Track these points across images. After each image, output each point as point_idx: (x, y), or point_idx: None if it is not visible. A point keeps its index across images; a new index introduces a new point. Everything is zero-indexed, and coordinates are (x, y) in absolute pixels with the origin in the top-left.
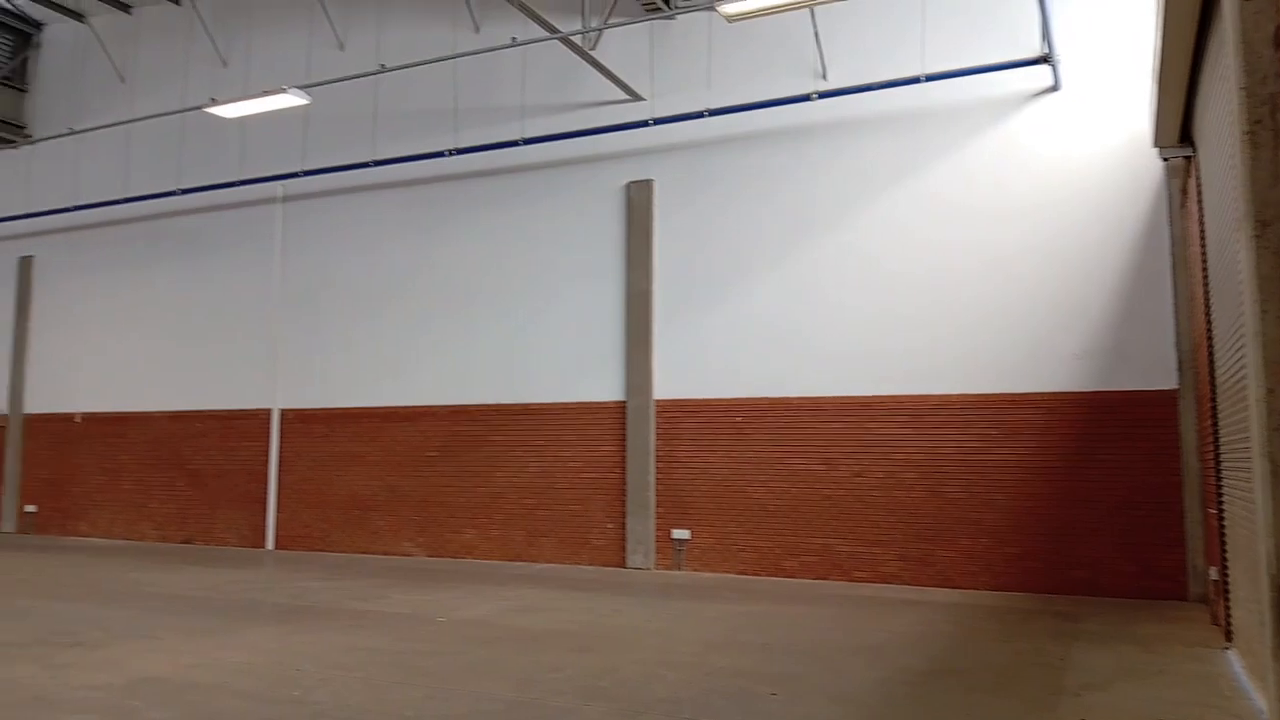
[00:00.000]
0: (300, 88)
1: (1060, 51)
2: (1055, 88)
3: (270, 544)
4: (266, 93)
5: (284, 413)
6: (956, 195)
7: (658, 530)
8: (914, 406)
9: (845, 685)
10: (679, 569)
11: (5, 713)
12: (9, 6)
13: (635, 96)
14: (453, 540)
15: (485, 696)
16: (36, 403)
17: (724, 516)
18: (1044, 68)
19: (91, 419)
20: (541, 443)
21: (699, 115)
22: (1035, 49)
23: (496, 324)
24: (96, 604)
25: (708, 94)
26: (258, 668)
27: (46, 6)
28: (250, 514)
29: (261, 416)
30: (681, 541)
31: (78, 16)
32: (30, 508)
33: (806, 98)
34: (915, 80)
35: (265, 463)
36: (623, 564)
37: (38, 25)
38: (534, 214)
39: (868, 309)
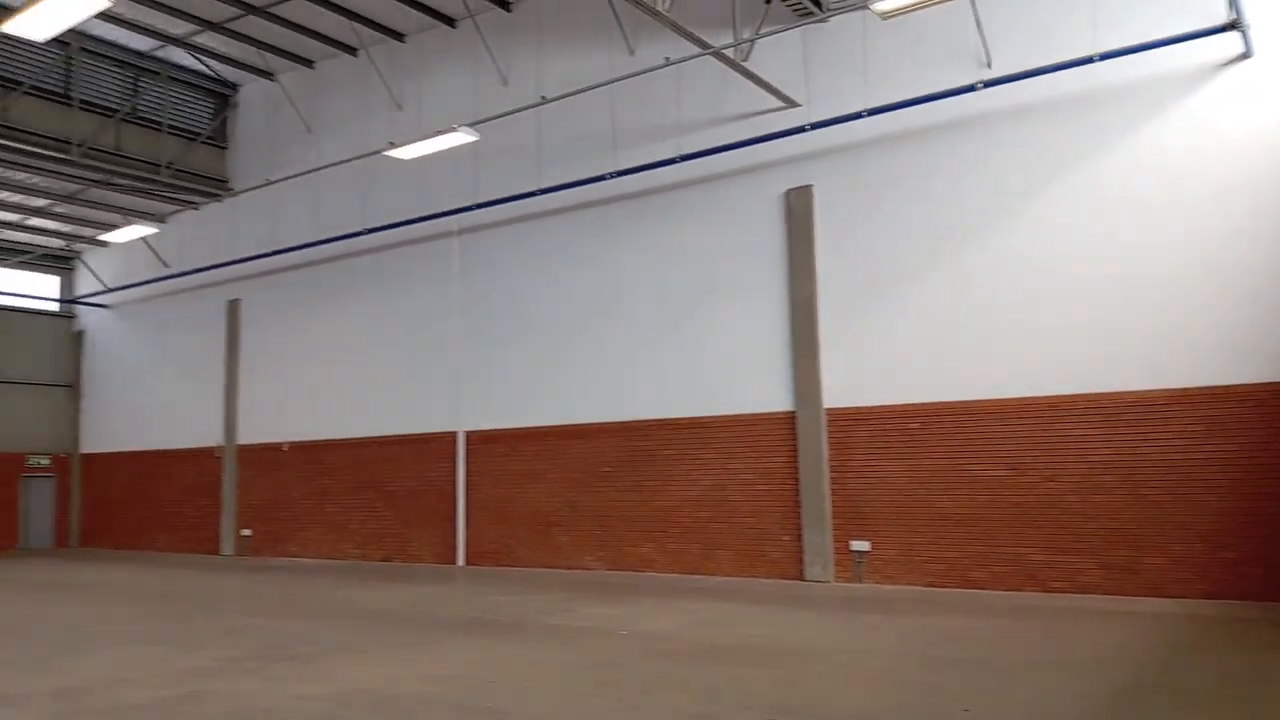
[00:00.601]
0: (469, 125)
1: (1250, 14)
2: (1247, 55)
3: (461, 560)
4: (439, 132)
5: (468, 434)
6: (1136, 180)
7: (836, 542)
8: (1108, 405)
9: (1045, 703)
10: (860, 581)
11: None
12: (209, 72)
13: (790, 103)
14: (631, 554)
15: (669, 710)
16: (248, 434)
17: (905, 526)
18: (1232, 34)
19: (296, 447)
20: (712, 456)
21: (857, 116)
22: (1221, 15)
23: (662, 339)
24: (307, 620)
25: (865, 94)
26: (455, 679)
27: (240, 69)
28: (442, 532)
29: (448, 439)
30: (861, 553)
31: (268, 75)
32: (246, 531)
33: (971, 88)
34: (1088, 61)
35: (453, 483)
36: (801, 577)
37: (234, 87)
38: (694, 228)
39: (1049, 307)
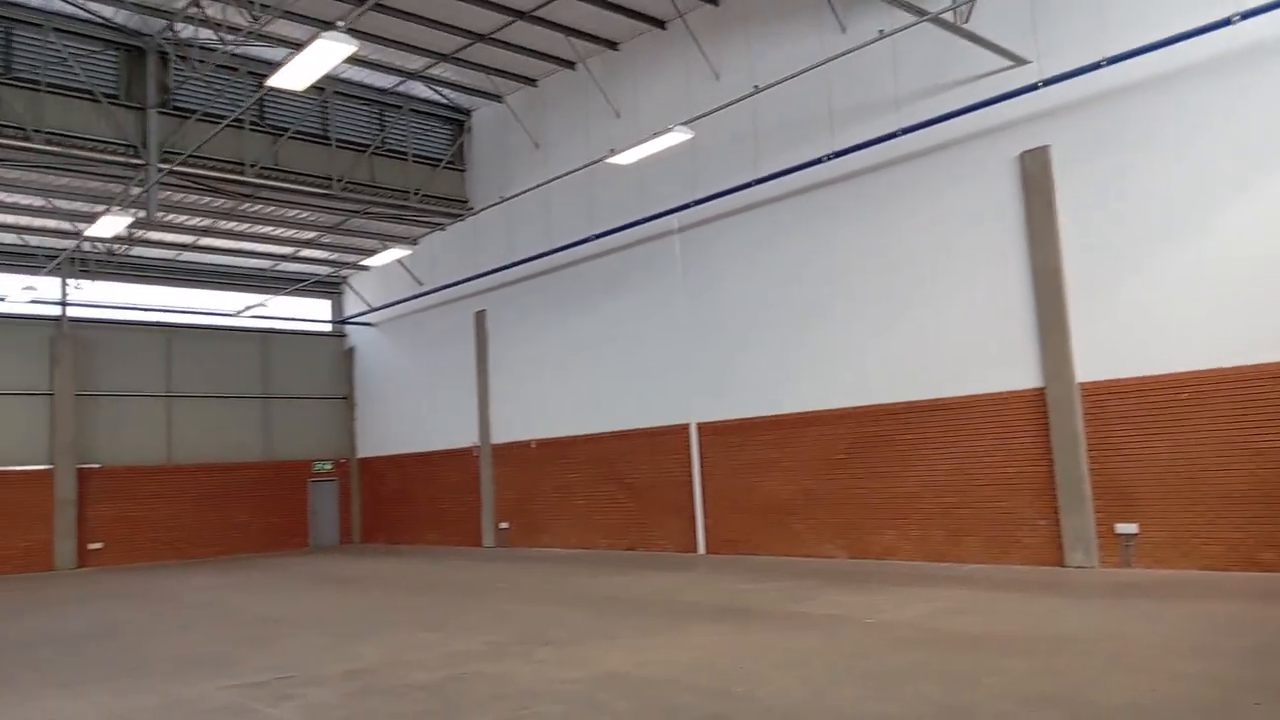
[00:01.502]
0: (684, 124)
1: None
2: None
3: (702, 549)
4: (656, 134)
5: (700, 426)
6: None
7: (1098, 525)
8: None
9: None
10: (1128, 566)
11: (504, 700)
12: (445, 101)
13: (1019, 61)
14: (873, 542)
15: (920, 698)
16: (500, 434)
17: (1176, 506)
18: None
19: (543, 444)
20: (953, 438)
21: (1095, 67)
22: None
23: (892, 320)
24: (561, 606)
25: (1102, 42)
26: (704, 665)
27: (472, 95)
28: (682, 521)
29: (681, 431)
30: (1128, 536)
31: (496, 98)
32: (504, 524)
33: (1226, 21)
34: None
35: (689, 474)
36: (1060, 562)
37: (467, 113)
38: (921, 202)
39: None
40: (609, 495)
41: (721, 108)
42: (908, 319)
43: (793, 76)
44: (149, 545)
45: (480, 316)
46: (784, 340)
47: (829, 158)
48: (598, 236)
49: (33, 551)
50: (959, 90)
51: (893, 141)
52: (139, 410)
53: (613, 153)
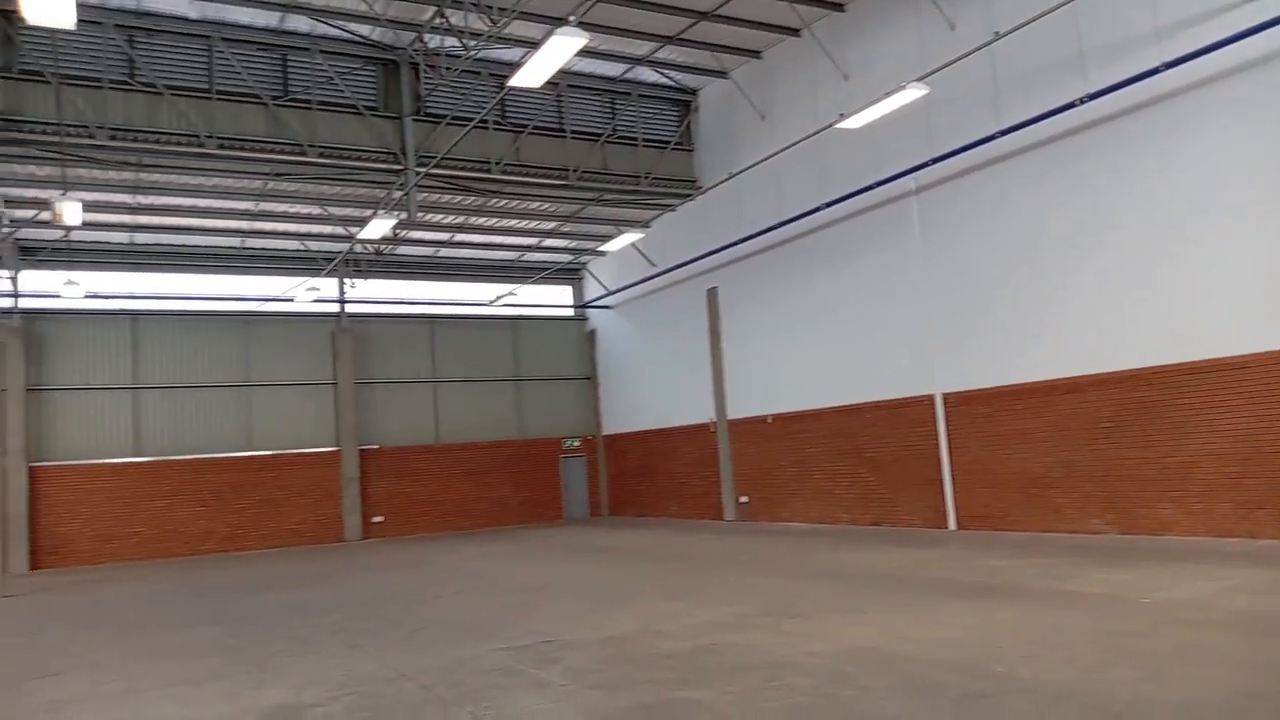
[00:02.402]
0: (918, 80)
1: None
2: None
3: (951, 524)
4: (887, 94)
5: (945, 396)
6: None
7: None
8: None
9: None
10: None
11: (752, 671)
12: (671, 83)
13: None
14: (1146, 516)
15: (1206, 683)
16: (736, 409)
17: None
18: None
19: (780, 419)
20: (1239, 401)
21: None
22: None
23: (1157, 274)
24: (807, 580)
25: None
26: (958, 642)
27: (697, 74)
28: (928, 496)
29: (925, 402)
30: None
31: (721, 75)
32: (744, 498)
33: None
34: None
35: (935, 446)
36: None
37: (693, 92)
38: (1186, 141)
39: None
40: (850, 469)
41: (958, 59)
42: (1175, 271)
43: (1038, 18)
44: (423, 518)
45: (712, 294)
46: (1033, 302)
47: (1081, 101)
48: (829, 204)
49: (324, 524)
50: (1235, 12)
51: (1156, 78)
52: (409, 395)
53: (842, 117)
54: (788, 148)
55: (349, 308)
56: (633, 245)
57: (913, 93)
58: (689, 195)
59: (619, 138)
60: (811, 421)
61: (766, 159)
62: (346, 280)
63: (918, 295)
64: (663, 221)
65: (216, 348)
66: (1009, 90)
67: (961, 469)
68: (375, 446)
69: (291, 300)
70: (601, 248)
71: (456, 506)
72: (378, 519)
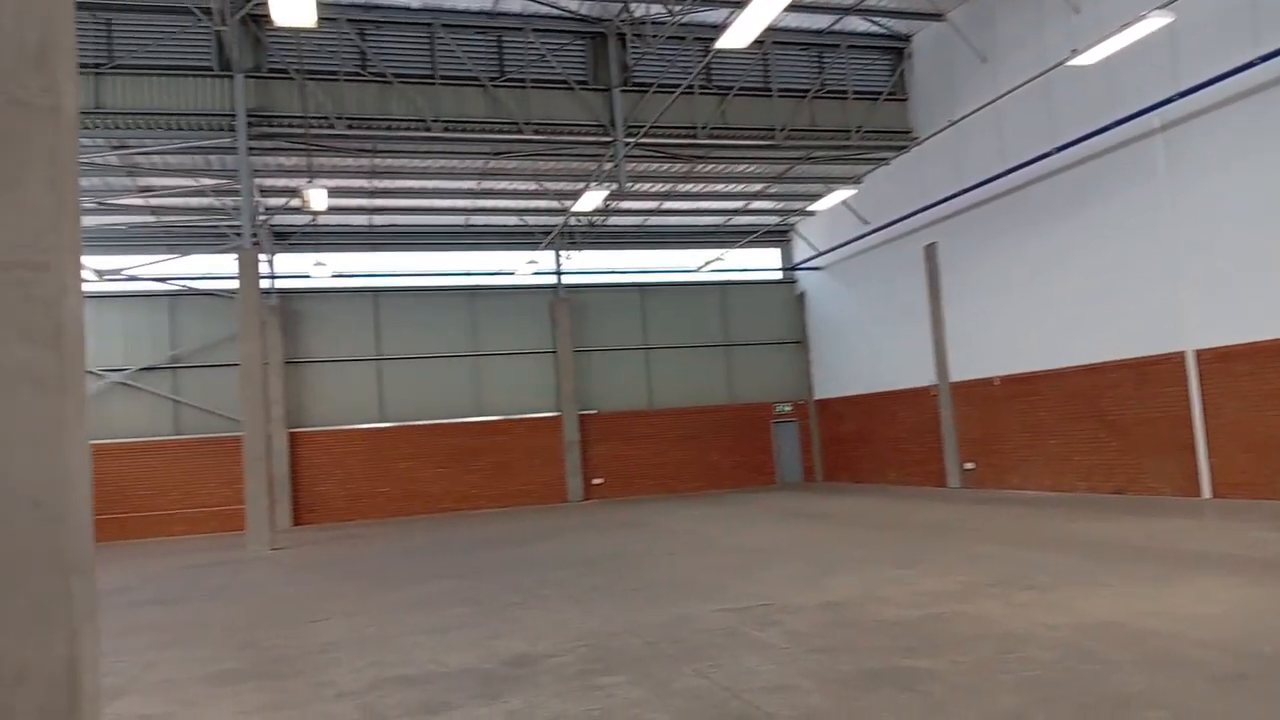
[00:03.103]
0: (1160, 7)
1: None
2: None
3: (1206, 492)
4: (1125, 25)
5: (1198, 353)
6: None
7: None
8: None
9: None
10: None
11: (985, 642)
12: (883, 30)
13: None
14: None
15: None
16: (958, 371)
17: None
18: None
19: (1006, 380)
20: None
21: None
22: None
23: None
24: (1039, 550)
25: None
26: (1216, 619)
27: (910, 18)
28: (1179, 461)
29: (1174, 360)
30: None
31: (937, 17)
32: (969, 465)
33: None
34: None
35: (1186, 407)
36: None
37: (906, 39)
38: None
39: None
40: (1087, 434)
41: None
42: None
43: None
44: (640, 481)
45: (930, 250)
46: None
47: None
48: (1060, 149)
49: (548, 486)
50: None
51: None
52: (623, 361)
53: (1074, 53)
54: (1013, 90)
55: (565, 279)
56: (843, 203)
57: (1155, 21)
58: (903, 147)
59: (827, 93)
60: (1044, 383)
61: (989, 104)
62: (562, 252)
63: (1164, 243)
64: (875, 177)
65: (447, 320)
66: (1268, 11)
67: (1218, 432)
68: (593, 412)
69: (512, 273)
70: (810, 207)
71: (671, 470)
72: (598, 481)
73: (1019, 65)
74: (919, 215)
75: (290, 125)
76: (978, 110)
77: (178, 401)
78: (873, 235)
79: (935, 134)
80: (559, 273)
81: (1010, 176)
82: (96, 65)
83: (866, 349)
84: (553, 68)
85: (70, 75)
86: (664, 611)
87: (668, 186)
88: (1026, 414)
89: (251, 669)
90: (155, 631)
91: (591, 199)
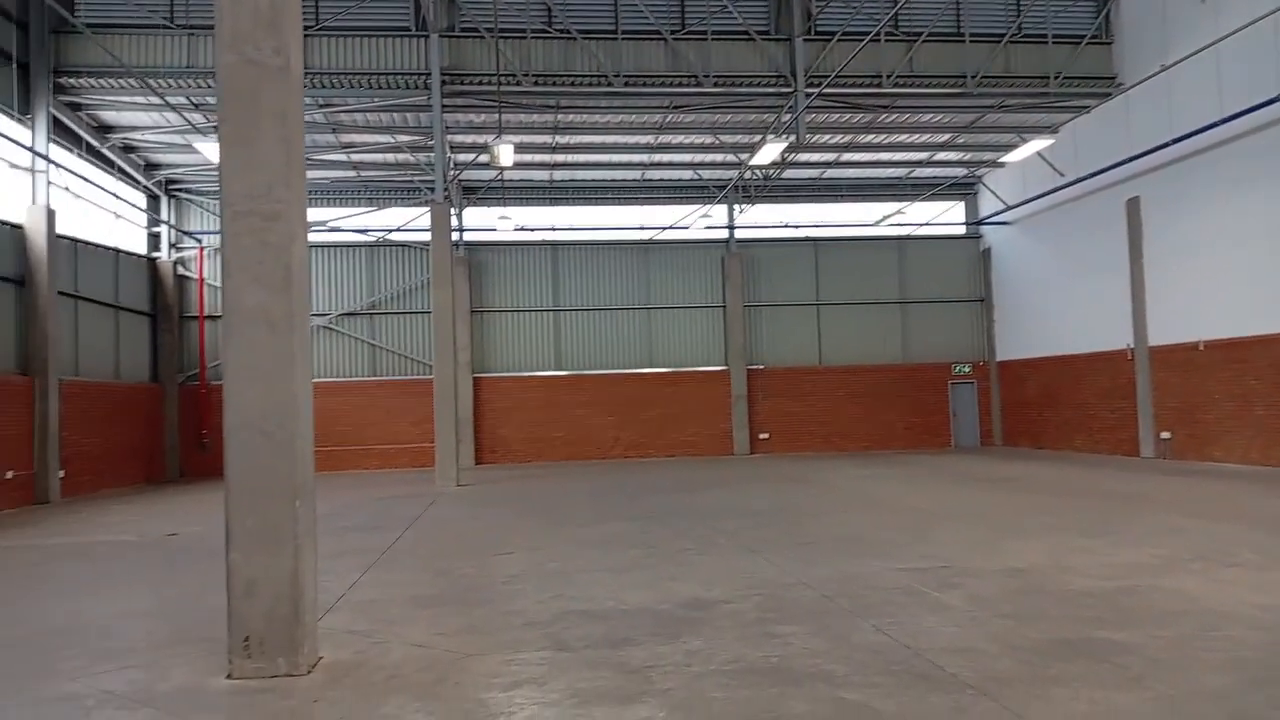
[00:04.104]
0: None
1: None
2: None
3: None
4: None
5: None
6: None
7: None
8: None
9: None
10: None
11: (1183, 618)
12: None
13: None
14: None
15: None
16: (1158, 334)
17: None
18: None
19: (1212, 345)
20: None
21: None
22: None
23: None
24: (1245, 527)
25: None
26: None
27: None
28: None
29: None
30: None
31: None
32: (1165, 434)
33: None
34: None
35: None
36: None
37: None
38: None
39: None
40: None
41: None
42: None
43: None
44: (807, 437)
45: (1132, 204)
46: None
47: None
48: None
49: (715, 438)
50: None
51: None
52: (793, 318)
53: None
54: (1236, 32)
55: (737, 233)
56: (1038, 154)
57: None
58: (1107, 95)
59: (1024, 36)
60: (1258, 349)
61: (1206, 47)
62: (735, 206)
63: None
64: (1074, 126)
65: (621, 273)
66: None
67: None
68: (761, 367)
69: (686, 228)
70: (1000, 159)
71: (840, 428)
72: (764, 436)
73: (1244, 3)
74: (1121, 167)
75: (480, 83)
76: (1194, 54)
77: (374, 345)
78: (1068, 188)
79: (1144, 80)
80: (731, 227)
81: (1228, 125)
82: (305, 27)
83: (1055, 309)
84: (734, 17)
85: (297, 37)
86: (838, 567)
87: (847, 138)
88: (1234, 381)
89: (445, 594)
90: (357, 556)
91: (769, 152)
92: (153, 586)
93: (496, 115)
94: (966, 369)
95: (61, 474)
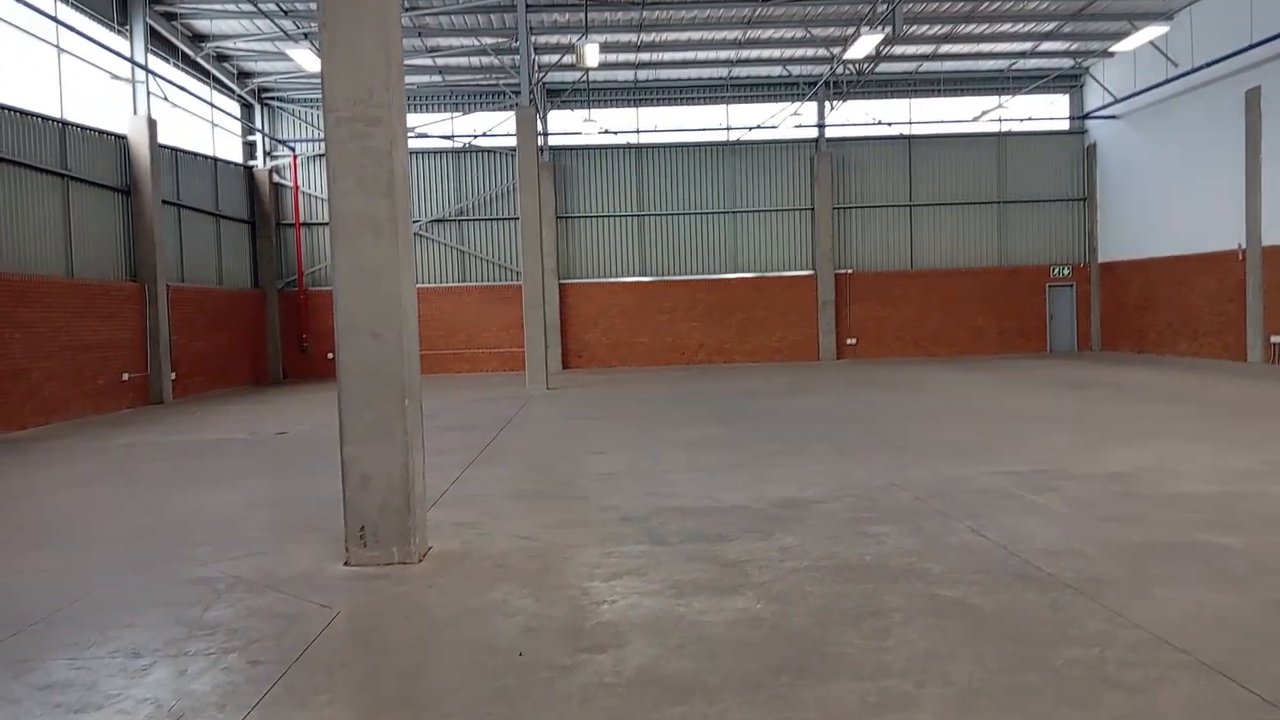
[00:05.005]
0: None
1: None
2: None
3: None
4: None
5: None
6: None
7: None
8: None
9: None
10: None
11: None
12: None
13: None
14: None
15: None
16: (1272, 234)
17: None
18: None
19: None
20: None
21: None
22: None
23: None
24: None
25: None
26: None
27: None
28: None
29: None
30: None
31: None
32: (1277, 338)
33: None
34: None
35: None
36: None
37: None
38: None
39: None
40: None
41: None
42: None
43: None
44: (895, 342)
45: (1251, 95)
46: None
47: None
48: None
49: (800, 344)
50: None
51: None
52: (884, 220)
53: None
54: None
55: (828, 131)
56: (1150, 43)
57: None
58: None
59: None
60: None
61: None
62: (826, 103)
63: None
64: (1190, 13)
65: (707, 176)
66: None
67: None
68: (849, 271)
69: (774, 127)
70: (1110, 49)
71: (931, 333)
72: (851, 341)
73: None
74: (1241, 55)
75: None
76: None
77: (463, 251)
78: (1182, 79)
79: None
80: (821, 125)
81: None
82: None
83: (1162, 208)
84: None
85: None
86: (932, 470)
87: (946, 28)
88: None
89: (543, 490)
90: (458, 453)
91: (863, 45)
92: (270, 480)
93: (581, 14)
94: (1065, 271)
95: (173, 376)
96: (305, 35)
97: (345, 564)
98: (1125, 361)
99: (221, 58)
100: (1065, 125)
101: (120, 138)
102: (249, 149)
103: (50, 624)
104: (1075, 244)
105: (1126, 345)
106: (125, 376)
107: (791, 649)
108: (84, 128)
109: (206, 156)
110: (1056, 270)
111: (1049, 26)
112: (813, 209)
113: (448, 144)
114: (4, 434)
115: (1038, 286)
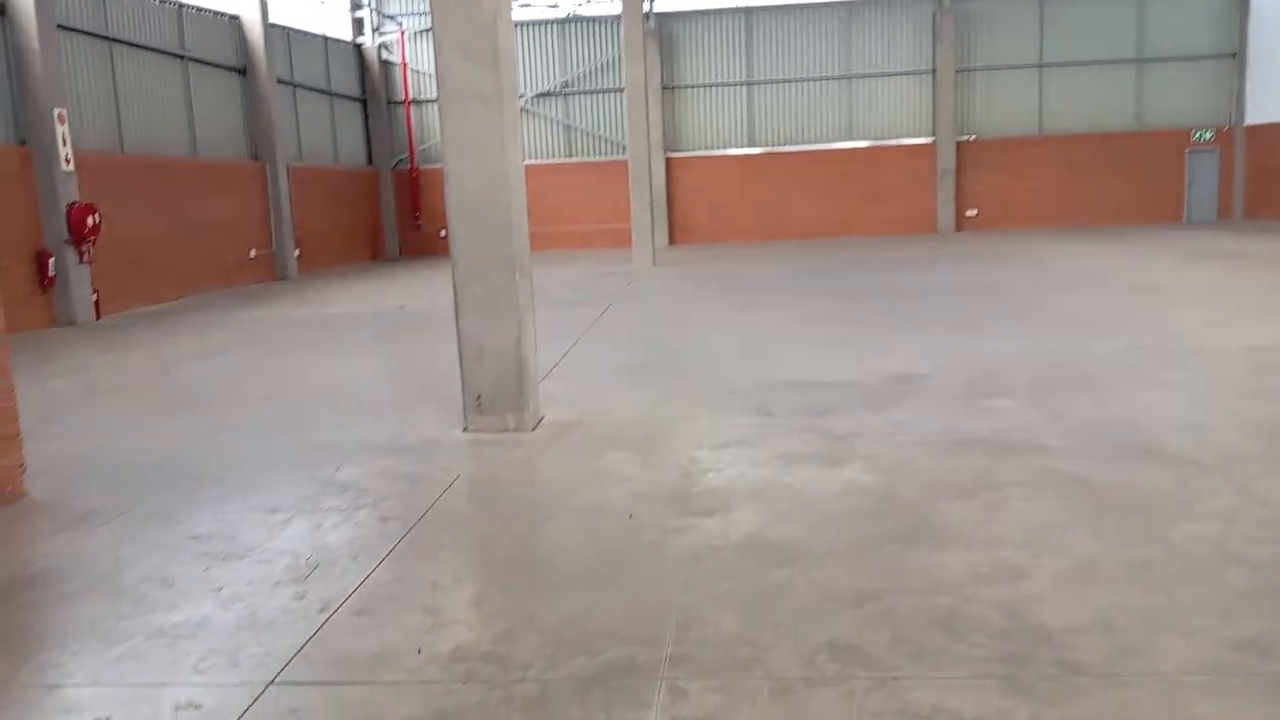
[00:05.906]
0: None
1: None
2: None
3: None
4: None
5: None
6: None
7: None
8: None
9: None
10: None
11: None
12: None
13: None
14: None
15: None
16: None
17: None
18: None
19: None
20: None
21: None
22: None
23: None
24: None
25: None
26: None
27: None
28: None
29: None
30: None
31: None
32: None
33: None
34: None
35: None
36: None
37: None
38: None
39: None
40: None
41: None
42: None
43: None
44: (1019, 212)
45: None
46: None
47: None
48: None
49: (917, 216)
50: None
51: None
52: (1012, 83)
53: None
54: None
55: None
56: None
57: None
58: None
59: None
60: None
61: None
62: None
63: None
64: None
65: (819, 39)
66: None
67: None
68: (972, 138)
69: None
70: None
71: (1058, 202)
72: (971, 213)
73: None
74: None
75: None
76: None
77: (568, 126)
78: None
79: None
80: None
81: None
82: None
83: None
84: None
85: None
86: (1055, 343)
87: None
88: None
89: (652, 364)
90: (567, 327)
91: None
92: (391, 352)
93: None
94: (1208, 135)
95: (297, 253)
96: None
97: (464, 430)
98: (1270, 230)
99: None
100: None
101: (234, 18)
102: (357, 26)
103: (195, 480)
104: (1221, 105)
105: (1272, 214)
106: (252, 254)
107: (899, 520)
108: (199, 9)
109: (317, 35)
110: (1198, 134)
111: None
112: (934, 71)
113: (552, 13)
114: (142, 308)
115: (1176, 152)
